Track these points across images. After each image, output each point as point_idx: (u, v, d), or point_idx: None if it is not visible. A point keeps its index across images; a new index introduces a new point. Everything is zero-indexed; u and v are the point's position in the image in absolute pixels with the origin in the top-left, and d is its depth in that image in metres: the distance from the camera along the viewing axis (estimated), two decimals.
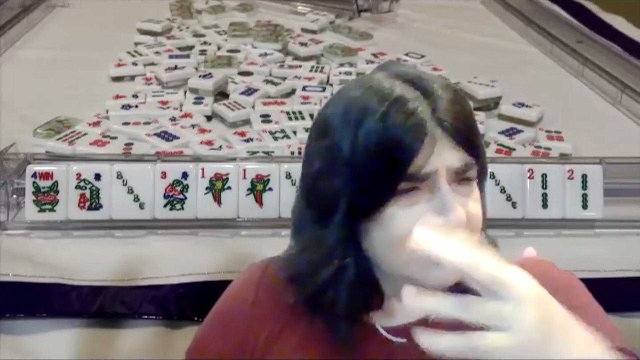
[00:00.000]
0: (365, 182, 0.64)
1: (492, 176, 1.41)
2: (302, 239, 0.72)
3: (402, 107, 0.63)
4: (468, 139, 0.64)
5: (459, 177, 0.64)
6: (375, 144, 0.63)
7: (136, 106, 1.91)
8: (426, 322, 0.71)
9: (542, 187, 1.42)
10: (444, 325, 0.70)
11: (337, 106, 0.68)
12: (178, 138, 1.72)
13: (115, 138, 1.69)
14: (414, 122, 0.62)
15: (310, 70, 2.21)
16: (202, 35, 2.56)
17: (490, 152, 1.69)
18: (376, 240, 0.66)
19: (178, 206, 1.38)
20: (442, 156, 0.63)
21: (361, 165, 0.64)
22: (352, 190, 0.65)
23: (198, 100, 1.97)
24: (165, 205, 1.38)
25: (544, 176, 1.43)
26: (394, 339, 0.70)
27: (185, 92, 2.03)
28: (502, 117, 1.96)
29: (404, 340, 0.70)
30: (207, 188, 1.39)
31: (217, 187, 1.39)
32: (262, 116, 1.85)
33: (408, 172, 0.62)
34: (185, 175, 1.39)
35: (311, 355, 0.71)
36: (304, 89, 2.07)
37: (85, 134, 1.71)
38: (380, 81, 0.66)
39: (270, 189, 1.39)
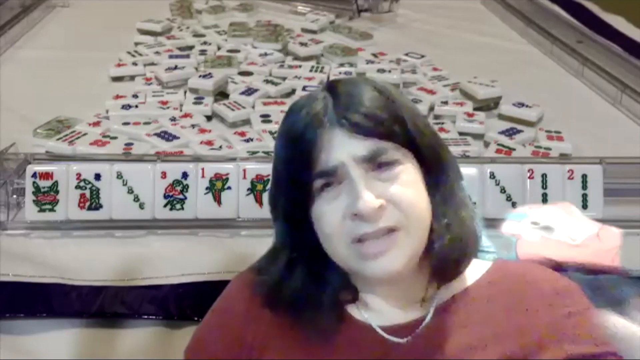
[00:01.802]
0: (283, 179, 0.71)
1: (492, 176, 1.41)
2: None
3: (307, 106, 0.69)
4: (371, 129, 0.67)
5: (375, 164, 0.67)
6: (282, 142, 0.71)
7: (136, 106, 1.91)
8: (422, 322, 0.71)
9: (542, 187, 1.42)
10: (439, 326, 0.71)
11: None
12: (178, 138, 1.72)
13: (115, 138, 1.69)
14: (310, 116, 0.68)
15: (310, 70, 2.21)
16: (202, 35, 2.56)
17: (490, 152, 1.69)
18: (319, 236, 0.70)
19: (178, 206, 1.38)
20: (344, 148, 0.66)
21: (278, 164, 0.72)
22: (280, 189, 0.72)
23: (198, 100, 1.97)
24: (165, 205, 1.38)
25: (544, 176, 1.43)
26: (392, 338, 0.71)
27: (185, 92, 2.03)
28: (502, 117, 1.95)
29: (401, 340, 0.70)
30: (207, 188, 1.39)
31: (217, 187, 1.39)
32: (262, 116, 1.85)
33: (318, 169, 0.67)
34: (185, 175, 1.39)
35: (309, 355, 0.71)
36: (304, 89, 2.06)
37: (85, 134, 1.71)
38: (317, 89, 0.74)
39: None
